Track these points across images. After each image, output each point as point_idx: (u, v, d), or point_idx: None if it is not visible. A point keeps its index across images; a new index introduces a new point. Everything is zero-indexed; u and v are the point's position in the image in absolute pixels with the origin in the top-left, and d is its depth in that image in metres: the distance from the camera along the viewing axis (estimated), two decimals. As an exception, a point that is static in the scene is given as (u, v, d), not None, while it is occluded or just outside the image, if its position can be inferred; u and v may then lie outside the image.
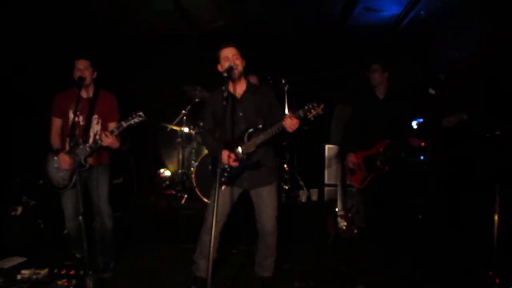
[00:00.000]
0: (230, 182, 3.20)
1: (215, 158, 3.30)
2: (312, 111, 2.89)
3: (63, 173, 3.52)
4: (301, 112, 2.91)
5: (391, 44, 6.09)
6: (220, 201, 3.14)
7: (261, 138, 3.04)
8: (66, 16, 5.25)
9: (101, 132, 3.43)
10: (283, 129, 2.97)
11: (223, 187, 3.19)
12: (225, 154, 3.07)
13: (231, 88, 3.14)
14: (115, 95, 3.72)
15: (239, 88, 3.19)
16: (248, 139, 3.10)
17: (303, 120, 2.95)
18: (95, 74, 3.56)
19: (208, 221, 3.22)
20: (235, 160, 3.09)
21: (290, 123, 2.91)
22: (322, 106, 2.88)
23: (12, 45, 4.72)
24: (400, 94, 4.12)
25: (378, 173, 4.00)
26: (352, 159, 4.19)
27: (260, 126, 3.11)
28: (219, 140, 3.10)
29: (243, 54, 3.12)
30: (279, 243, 3.36)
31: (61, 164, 3.48)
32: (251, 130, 3.11)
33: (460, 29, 5.18)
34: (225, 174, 3.17)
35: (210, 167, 3.37)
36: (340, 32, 6.14)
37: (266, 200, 3.22)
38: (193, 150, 5.80)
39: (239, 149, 3.10)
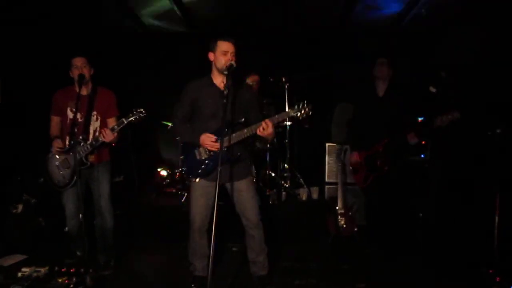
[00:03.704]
0: (206, 175, 3.16)
1: (191, 149, 3.24)
2: (302, 111, 2.93)
3: (64, 172, 3.52)
4: (290, 112, 2.96)
5: (392, 42, 6.07)
6: (202, 201, 3.16)
7: (244, 133, 3.04)
8: (66, 14, 5.24)
9: (101, 129, 3.44)
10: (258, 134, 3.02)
11: (197, 180, 3.18)
12: (205, 136, 3.06)
13: (217, 81, 3.16)
14: (113, 91, 3.71)
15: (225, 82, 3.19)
16: (228, 133, 3.08)
17: (292, 120, 2.98)
18: (92, 71, 3.55)
19: (195, 222, 3.21)
20: (215, 142, 3.05)
21: (262, 131, 2.94)
22: (311, 106, 2.94)
23: (11, 44, 4.71)
24: (399, 92, 4.09)
25: (379, 173, 3.99)
26: (355, 158, 4.18)
27: (242, 120, 3.12)
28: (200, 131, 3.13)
29: (238, 51, 3.13)
30: (279, 241, 3.36)
31: (53, 146, 3.49)
32: (231, 123, 3.11)
33: (461, 27, 5.17)
34: (202, 166, 3.15)
35: (182, 157, 3.35)
36: (341, 31, 6.14)
37: (247, 194, 3.22)
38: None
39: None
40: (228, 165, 3.15)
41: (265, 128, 2.93)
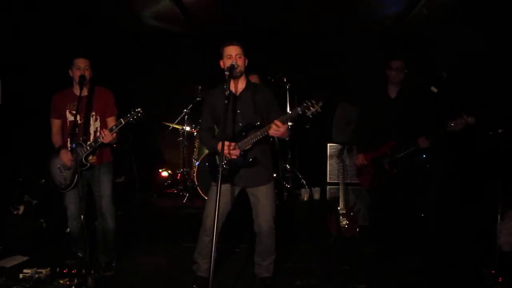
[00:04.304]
0: (226, 180, 3.17)
1: (213, 156, 3.28)
2: (311, 108, 2.87)
3: (66, 173, 3.52)
4: (299, 109, 2.90)
5: (392, 42, 6.07)
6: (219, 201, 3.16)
7: (257, 135, 3.02)
8: (68, 15, 5.25)
9: (101, 129, 3.44)
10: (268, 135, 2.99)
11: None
12: (220, 144, 3.04)
13: (230, 87, 3.14)
14: (111, 90, 3.71)
15: (239, 86, 3.18)
16: (245, 136, 3.08)
17: (302, 117, 2.94)
18: (92, 73, 3.55)
19: (207, 221, 3.22)
20: (233, 149, 3.05)
21: (274, 130, 2.91)
22: (320, 103, 2.87)
23: (12, 45, 4.71)
24: (412, 93, 3.99)
25: (386, 175, 3.95)
26: (360, 159, 4.14)
27: (258, 123, 3.10)
28: (218, 137, 3.12)
29: (246, 53, 3.12)
30: (280, 242, 3.35)
31: (63, 160, 3.49)
32: (248, 127, 3.10)
33: (462, 26, 5.16)
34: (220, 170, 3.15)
35: (207, 164, 3.37)
36: (342, 30, 6.13)
37: (262, 201, 3.20)
38: (195, 149, 5.81)
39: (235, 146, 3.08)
40: (246, 169, 3.15)
41: (277, 130, 2.90)
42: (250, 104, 3.15)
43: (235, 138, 3.12)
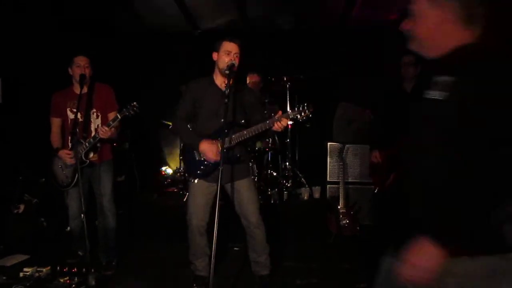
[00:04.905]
0: (205, 176, 3.15)
1: (188, 151, 3.23)
2: (303, 113, 2.90)
3: (67, 171, 3.53)
4: (291, 114, 2.91)
5: (392, 41, 6.07)
6: (200, 201, 3.15)
7: (244, 135, 3.00)
8: (68, 13, 5.25)
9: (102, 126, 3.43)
10: (267, 130, 2.98)
11: (195, 180, 3.17)
12: (206, 145, 3.02)
13: (218, 82, 3.14)
14: (111, 86, 3.70)
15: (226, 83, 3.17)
16: (227, 134, 3.02)
17: (293, 121, 2.95)
18: (92, 72, 3.54)
19: (192, 221, 3.19)
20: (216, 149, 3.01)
21: (279, 125, 2.91)
22: (312, 109, 2.90)
23: (12, 43, 4.71)
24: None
25: (403, 170, 3.89)
26: (377, 155, 4.06)
27: (242, 121, 3.09)
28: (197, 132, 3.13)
29: (242, 53, 3.11)
30: (281, 241, 3.35)
31: (63, 159, 3.49)
32: (231, 124, 3.07)
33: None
34: (201, 167, 3.13)
35: (181, 157, 3.34)
36: (342, 30, 6.13)
37: (247, 194, 3.19)
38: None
39: (218, 144, 3.04)
40: (227, 165, 3.12)
41: (281, 126, 2.91)
42: (236, 102, 3.13)
43: (216, 134, 3.06)
